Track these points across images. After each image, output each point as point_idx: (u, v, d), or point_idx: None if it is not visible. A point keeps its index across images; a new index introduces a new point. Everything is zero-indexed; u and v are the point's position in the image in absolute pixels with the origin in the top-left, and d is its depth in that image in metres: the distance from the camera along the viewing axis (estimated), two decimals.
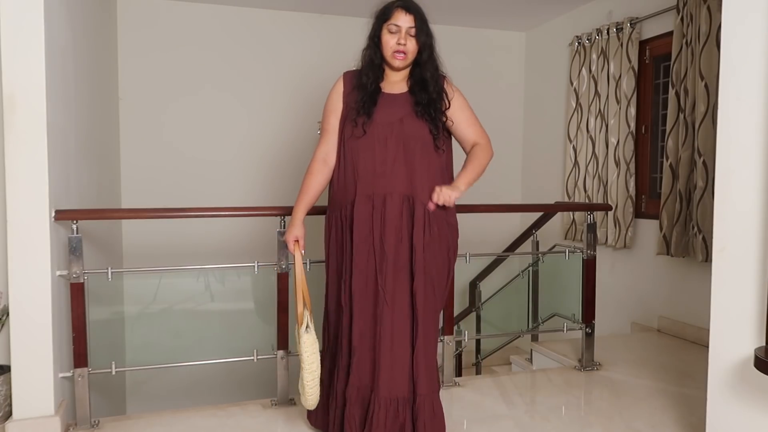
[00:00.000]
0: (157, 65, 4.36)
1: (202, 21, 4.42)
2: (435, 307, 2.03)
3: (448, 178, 2.06)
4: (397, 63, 1.98)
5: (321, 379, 2.08)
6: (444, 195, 1.87)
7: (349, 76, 2.07)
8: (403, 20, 1.94)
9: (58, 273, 2.28)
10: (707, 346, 2.07)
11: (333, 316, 2.08)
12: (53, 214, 2.23)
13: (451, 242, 2.06)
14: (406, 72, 2.05)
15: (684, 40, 3.43)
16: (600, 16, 4.28)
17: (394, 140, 1.95)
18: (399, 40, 1.94)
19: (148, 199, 4.22)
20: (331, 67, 4.68)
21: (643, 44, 3.92)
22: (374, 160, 1.94)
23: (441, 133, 2.02)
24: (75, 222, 2.32)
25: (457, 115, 2.06)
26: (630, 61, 3.89)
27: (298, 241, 2.02)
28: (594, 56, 4.21)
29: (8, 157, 2.15)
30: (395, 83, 2.04)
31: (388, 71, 2.04)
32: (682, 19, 3.44)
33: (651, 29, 3.87)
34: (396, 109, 1.98)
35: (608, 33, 4.07)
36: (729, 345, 1.98)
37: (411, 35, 1.95)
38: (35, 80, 2.16)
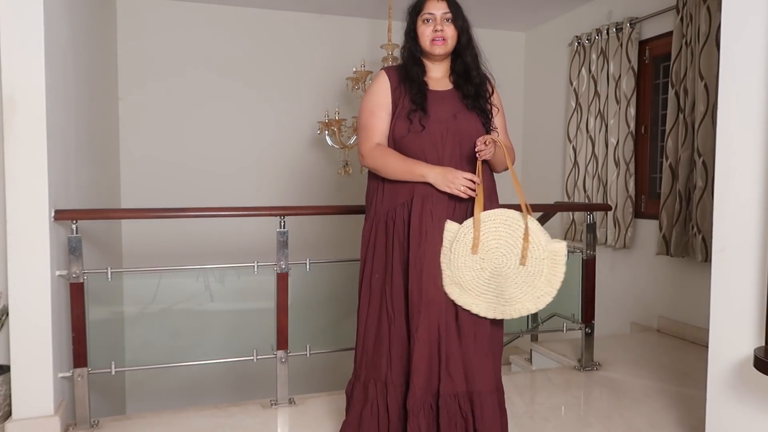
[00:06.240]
0: (157, 65, 4.36)
1: (201, 21, 4.42)
2: None
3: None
4: (437, 50, 1.90)
5: (349, 394, 1.99)
6: (489, 148, 1.84)
7: (392, 71, 1.99)
8: (437, 7, 1.90)
9: (57, 273, 2.28)
10: (707, 346, 2.07)
11: (374, 327, 1.95)
12: (53, 214, 2.23)
13: None
14: (447, 66, 1.98)
15: (684, 41, 3.43)
16: (600, 16, 4.28)
17: (450, 138, 1.88)
18: (435, 27, 1.89)
19: (148, 199, 4.22)
20: (332, 67, 4.72)
21: (642, 44, 3.92)
22: (429, 161, 1.87)
23: (492, 124, 1.97)
24: (75, 222, 2.32)
25: (495, 113, 2.01)
26: (630, 61, 3.88)
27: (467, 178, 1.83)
28: (594, 56, 4.21)
29: (8, 157, 2.15)
30: (438, 80, 1.97)
31: (429, 66, 1.97)
32: (681, 19, 3.44)
33: (650, 29, 3.87)
34: (447, 106, 1.92)
35: (608, 33, 4.07)
36: (729, 345, 1.98)
37: (447, 21, 1.90)
38: (35, 80, 2.16)
